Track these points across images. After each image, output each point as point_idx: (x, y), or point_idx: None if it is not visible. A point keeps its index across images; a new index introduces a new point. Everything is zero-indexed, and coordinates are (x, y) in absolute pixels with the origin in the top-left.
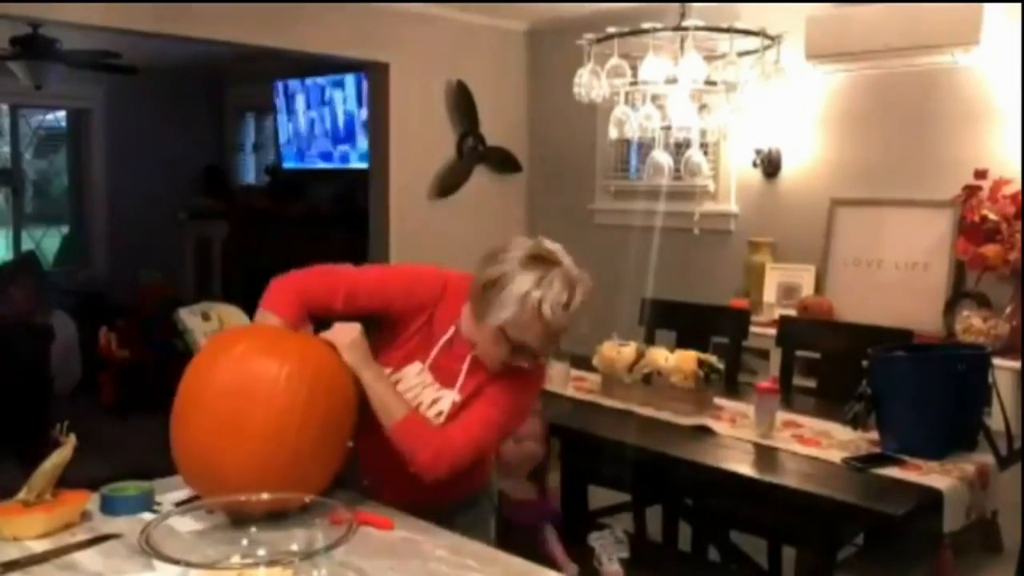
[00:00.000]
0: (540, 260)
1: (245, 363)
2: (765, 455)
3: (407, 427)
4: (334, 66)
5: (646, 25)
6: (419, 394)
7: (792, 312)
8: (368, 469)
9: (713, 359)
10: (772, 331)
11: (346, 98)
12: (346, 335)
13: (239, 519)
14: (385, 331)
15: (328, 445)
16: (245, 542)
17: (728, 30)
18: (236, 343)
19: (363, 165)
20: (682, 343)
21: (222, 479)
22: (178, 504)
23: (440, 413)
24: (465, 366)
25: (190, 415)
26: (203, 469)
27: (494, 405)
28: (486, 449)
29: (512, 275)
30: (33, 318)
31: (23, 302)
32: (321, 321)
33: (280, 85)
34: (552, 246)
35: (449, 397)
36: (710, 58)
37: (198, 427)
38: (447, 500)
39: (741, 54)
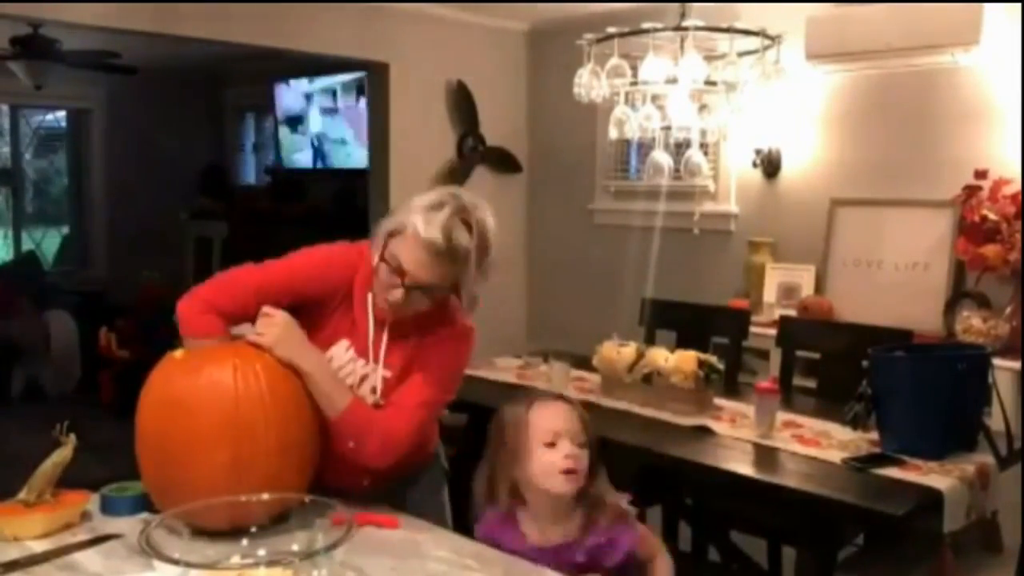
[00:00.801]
0: (446, 204)
1: (197, 377)
2: (765, 455)
3: (351, 417)
4: (334, 66)
5: (646, 25)
6: (349, 372)
7: (792, 312)
8: None
9: (713, 359)
10: (772, 331)
11: (346, 98)
12: (270, 333)
13: (238, 524)
14: (308, 313)
15: (301, 434)
16: (245, 542)
17: (728, 30)
18: (180, 363)
19: (363, 165)
20: (682, 343)
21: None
22: None
23: (373, 389)
24: (385, 335)
25: (157, 448)
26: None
27: (429, 383)
28: (429, 428)
29: (408, 201)
30: None
31: None
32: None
33: (281, 85)
34: (458, 192)
35: (378, 372)
36: (710, 58)
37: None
38: (397, 477)
39: (741, 54)
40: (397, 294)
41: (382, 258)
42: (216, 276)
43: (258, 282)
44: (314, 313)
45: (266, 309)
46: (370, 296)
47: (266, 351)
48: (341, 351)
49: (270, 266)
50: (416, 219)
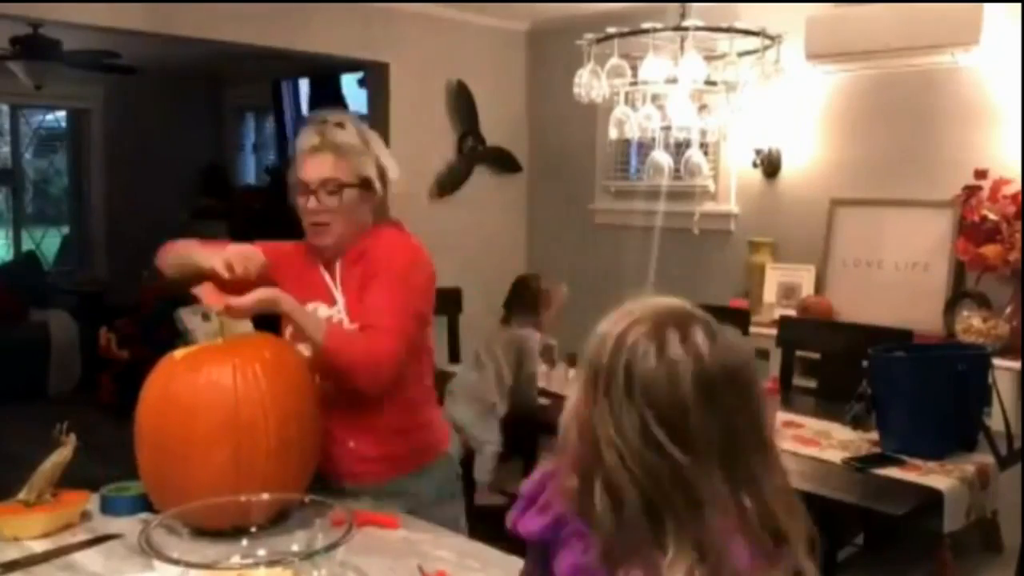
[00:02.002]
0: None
1: (197, 376)
2: None
3: (336, 340)
4: (334, 66)
5: (646, 25)
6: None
7: (792, 312)
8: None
9: None
10: (772, 331)
11: (346, 98)
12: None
13: (238, 524)
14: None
15: (301, 434)
16: (245, 542)
17: (728, 30)
18: (180, 363)
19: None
20: None
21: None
22: None
23: (339, 323)
24: (338, 272)
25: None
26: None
27: (389, 288)
28: (412, 336)
29: None
30: None
31: None
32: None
33: (281, 85)
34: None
35: (337, 309)
36: (710, 58)
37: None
38: (409, 456)
39: (741, 54)
40: (311, 203)
41: (293, 193)
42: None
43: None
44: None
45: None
46: (312, 251)
47: (269, 338)
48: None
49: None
50: (294, 147)
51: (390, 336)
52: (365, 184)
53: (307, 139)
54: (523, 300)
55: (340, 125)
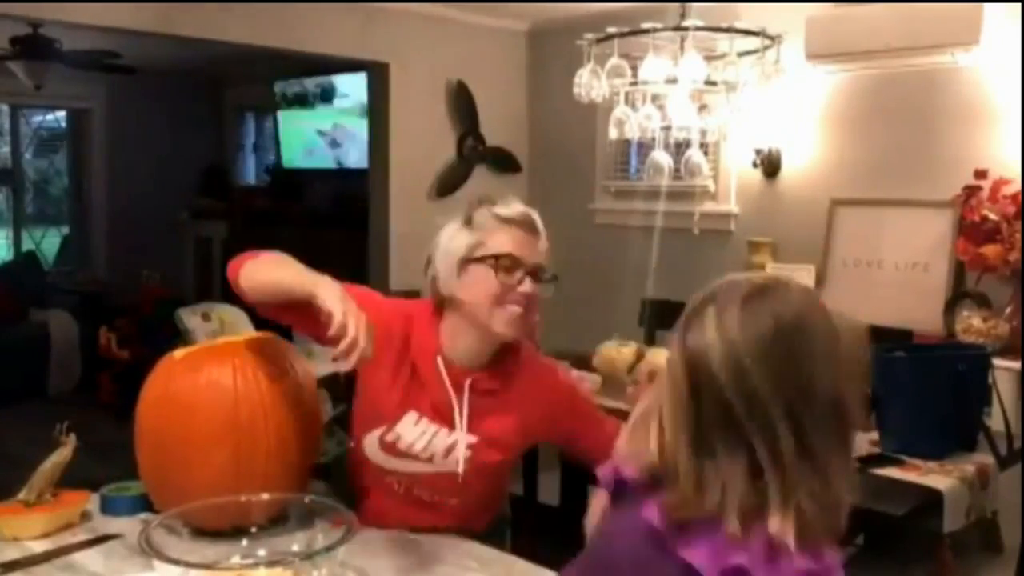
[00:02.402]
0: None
1: (197, 376)
2: None
3: None
4: (334, 66)
5: (646, 25)
6: (428, 445)
7: None
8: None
9: None
10: None
11: (346, 98)
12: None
13: (238, 524)
14: (360, 392)
15: (301, 434)
16: (245, 542)
17: (728, 30)
18: (180, 363)
19: (363, 165)
20: None
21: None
22: None
23: (465, 459)
24: (466, 394)
25: (156, 448)
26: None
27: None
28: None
29: (440, 234)
30: None
31: None
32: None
33: (281, 84)
34: None
35: (461, 437)
36: (710, 58)
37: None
38: (468, 527)
39: (741, 54)
40: (526, 287)
41: (492, 260)
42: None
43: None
44: (367, 388)
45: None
46: (439, 360)
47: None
48: (410, 424)
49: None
50: (489, 211)
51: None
52: (553, 279)
53: (516, 207)
54: None
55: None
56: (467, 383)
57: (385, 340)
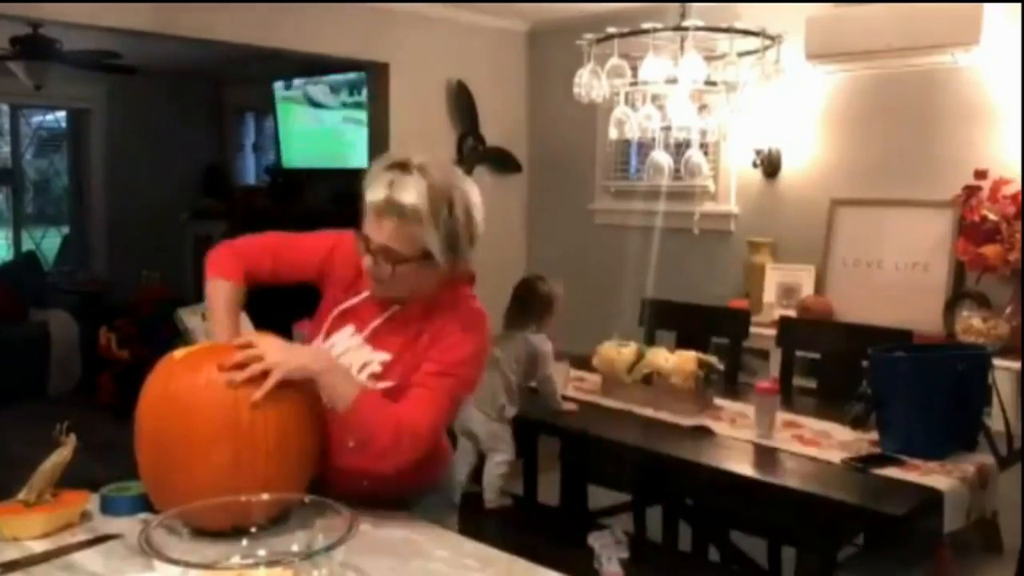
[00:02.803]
0: (397, 166)
1: (197, 376)
2: (765, 455)
3: (363, 407)
4: (334, 66)
5: (646, 25)
6: (350, 359)
7: (792, 312)
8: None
9: (713, 359)
10: (772, 331)
11: (347, 98)
12: (270, 357)
13: (238, 524)
14: (322, 300)
15: (301, 434)
16: (245, 542)
17: (728, 30)
18: (180, 363)
19: (363, 165)
20: (682, 343)
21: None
22: None
23: (373, 376)
24: (381, 318)
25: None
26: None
27: (442, 371)
28: (449, 420)
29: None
30: None
31: None
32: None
33: (281, 84)
34: (420, 159)
35: (379, 358)
36: (710, 58)
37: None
38: (402, 490)
39: (741, 54)
40: (367, 261)
41: (360, 239)
42: (244, 236)
43: (276, 246)
44: (326, 294)
45: (239, 340)
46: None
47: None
48: (345, 336)
49: (288, 236)
50: (367, 184)
51: (428, 411)
52: (426, 256)
53: (375, 193)
54: (531, 305)
55: (416, 171)
56: (391, 308)
57: (334, 275)
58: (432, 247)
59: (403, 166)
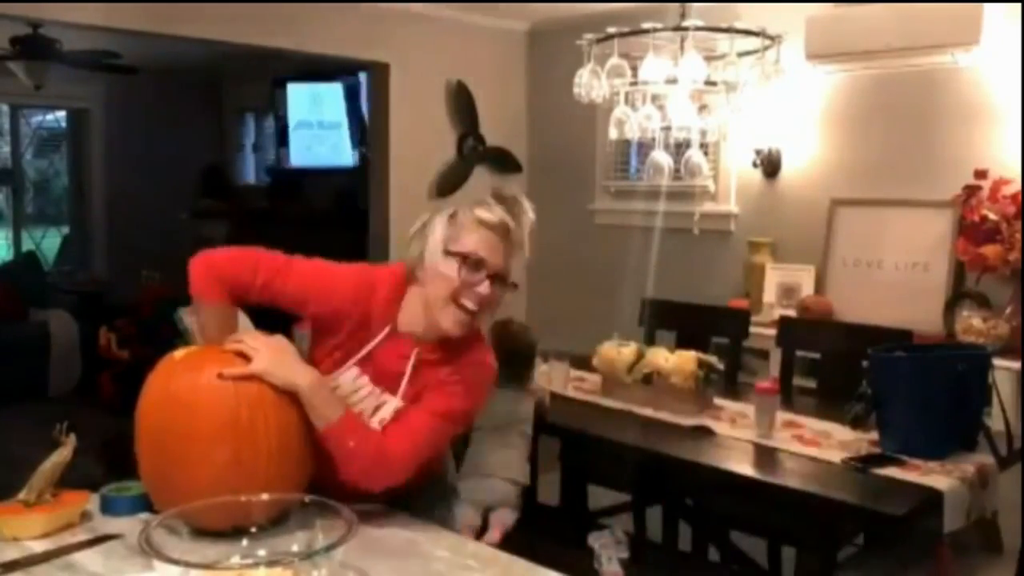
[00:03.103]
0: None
1: (198, 376)
2: (765, 455)
3: (340, 431)
4: (334, 66)
5: (646, 25)
6: (359, 401)
7: (792, 312)
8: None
9: (713, 359)
10: (772, 331)
11: (346, 98)
12: (260, 358)
13: (238, 524)
14: (318, 334)
15: (301, 434)
16: (245, 542)
17: (728, 30)
18: (180, 363)
19: (362, 165)
20: (682, 343)
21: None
22: None
23: (382, 421)
24: (411, 362)
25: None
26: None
27: (440, 410)
28: (429, 458)
29: (433, 216)
30: None
31: None
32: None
33: (281, 84)
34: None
35: (392, 404)
36: (710, 58)
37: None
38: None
39: (741, 54)
40: (484, 288)
41: (460, 257)
42: (237, 248)
43: (271, 271)
44: (325, 333)
45: (242, 344)
46: (388, 328)
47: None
48: (348, 379)
49: (291, 263)
50: (472, 212)
51: (410, 446)
52: (512, 288)
53: (497, 212)
54: (514, 358)
55: (515, 201)
56: (413, 354)
57: (335, 312)
58: (513, 278)
59: (500, 196)
